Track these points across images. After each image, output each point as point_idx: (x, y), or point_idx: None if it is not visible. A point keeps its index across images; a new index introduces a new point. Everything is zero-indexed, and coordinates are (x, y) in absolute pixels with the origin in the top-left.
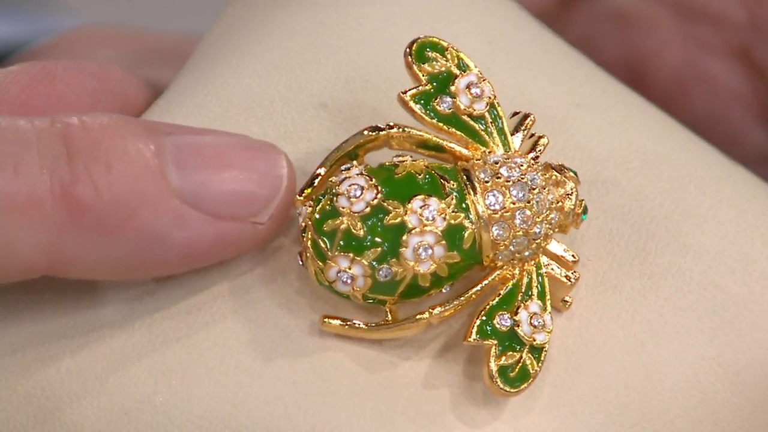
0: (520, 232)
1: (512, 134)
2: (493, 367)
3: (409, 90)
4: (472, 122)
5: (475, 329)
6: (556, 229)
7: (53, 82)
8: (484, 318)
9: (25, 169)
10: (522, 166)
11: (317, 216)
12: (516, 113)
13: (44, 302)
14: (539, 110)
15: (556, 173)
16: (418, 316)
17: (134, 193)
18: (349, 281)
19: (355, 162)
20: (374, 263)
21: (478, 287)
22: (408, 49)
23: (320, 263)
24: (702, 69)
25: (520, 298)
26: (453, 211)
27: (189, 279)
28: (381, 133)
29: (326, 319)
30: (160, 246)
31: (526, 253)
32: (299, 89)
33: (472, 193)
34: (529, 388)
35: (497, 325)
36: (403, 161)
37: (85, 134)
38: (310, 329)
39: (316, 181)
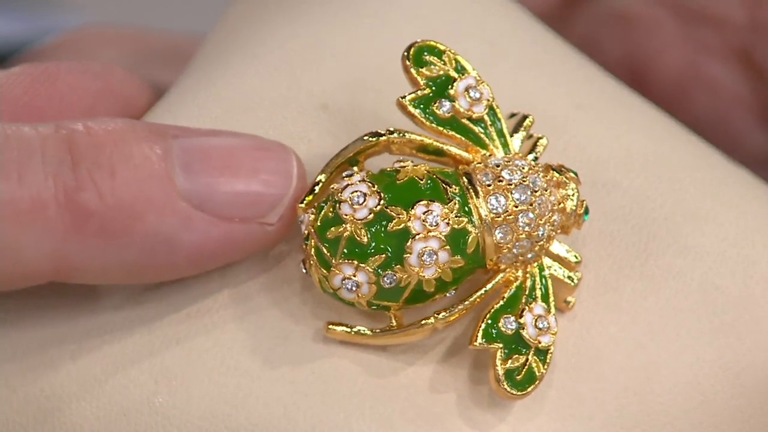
0: (523, 235)
1: (511, 135)
2: (500, 370)
3: (408, 94)
4: (471, 125)
5: (480, 333)
6: (559, 231)
7: (55, 83)
8: (489, 321)
9: (29, 176)
10: (523, 168)
11: (320, 223)
12: (514, 114)
13: (45, 304)
14: (540, 111)
15: (556, 174)
16: (423, 322)
17: (140, 197)
18: (353, 288)
19: (356, 168)
20: (379, 270)
21: (483, 291)
22: (405, 54)
23: (324, 271)
24: (703, 70)
25: (524, 300)
26: (456, 216)
27: (191, 283)
28: (381, 138)
29: (331, 326)
30: (167, 249)
31: (529, 256)
32: (300, 90)
33: (474, 196)
34: (535, 391)
35: (502, 329)
36: (404, 166)
37: (89, 140)
38: (314, 335)
39: (317, 188)
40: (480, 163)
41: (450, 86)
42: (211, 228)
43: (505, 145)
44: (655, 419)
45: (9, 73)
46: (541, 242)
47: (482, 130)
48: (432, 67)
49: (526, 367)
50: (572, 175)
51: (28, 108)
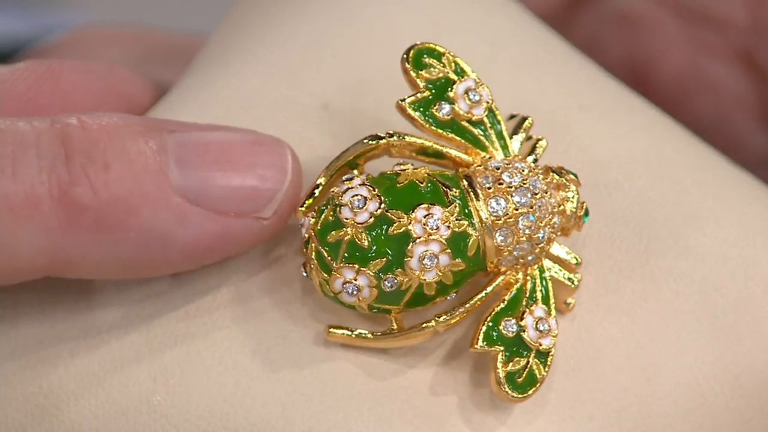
0: (524, 238)
1: (511, 137)
2: (501, 373)
3: (408, 97)
4: (471, 127)
5: (481, 336)
6: (559, 233)
7: (59, 81)
8: (489, 324)
9: (23, 171)
10: (523, 171)
11: (320, 227)
12: (514, 116)
13: (43, 302)
14: (541, 112)
15: (556, 176)
16: (423, 325)
17: (134, 192)
18: (354, 292)
19: (356, 171)
20: (380, 273)
21: (483, 293)
22: (405, 56)
23: (325, 274)
24: (704, 71)
25: (524, 302)
26: (456, 219)
27: (190, 283)
28: (381, 141)
29: (331, 329)
30: (162, 244)
31: (530, 258)
32: (301, 90)
33: (474, 199)
34: (536, 393)
35: (503, 331)
36: (405, 170)
37: (83, 134)
38: (313, 338)
39: (317, 191)
40: (480, 165)
41: (449, 89)
42: (206, 223)
43: (505, 147)
44: (654, 421)
45: (13, 68)
46: (542, 244)
47: (482, 133)
48: (431, 69)
49: (527, 369)
50: (572, 176)
51: (31, 104)
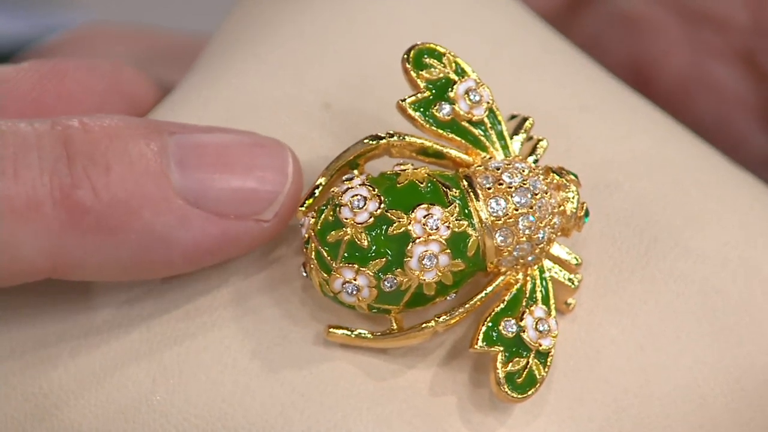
0: (524, 238)
1: (511, 138)
2: (501, 373)
3: (408, 97)
4: (471, 128)
5: (480, 336)
6: (559, 233)
7: (64, 80)
8: (489, 324)
9: (24, 173)
10: (524, 171)
11: (320, 227)
12: (514, 116)
13: (43, 301)
14: (543, 113)
15: (557, 176)
16: (423, 325)
17: (135, 194)
18: (354, 292)
19: (356, 171)
20: (379, 274)
21: (483, 294)
22: (406, 56)
23: (325, 274)
24: (706, 72)
25: (524, 303)
26: (456, 219)
27: (190, 283)
28: (381, 141)
29: (331, 329)
30: (163, 246)
31: (530, 258)
32: (303, 89)
33: (474, 200)
34: (536, 394)
35: (503, 332)
36: (405, 170)
37: (85, 136)
38: (313, 337)
39: (317, 191)
40: (480, 165)
41: (450, 89)
42: (207, 225)
43: (506, 148)
44: (654, 422)
45: (18, 68)
46: (542, 245)
47: (482, 133)
48: (432, 69)
49: (527, 370)
50: (572, 177)
51: (35, 104)
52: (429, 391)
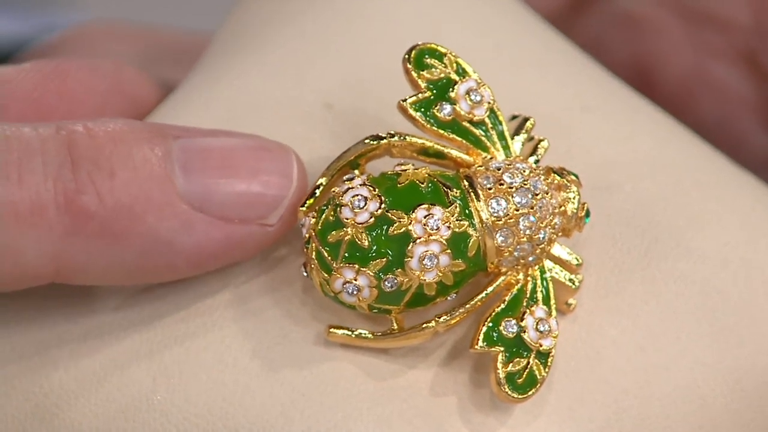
0: (525, 238)
1: (512, 138)
2: (501, 374)
3: (409, 97)
4: (472, 128)
5: (481, 336)
6: (560, 233)
7: (66, 80)
8: (490, 324)
9: (28, 178)
10: (524, 171)
11: (321, 227)
12: (515, 116)
13: (44, 302)
14: (545, 113)
15: (558, 177)
16: (424, 325)
17: (139, 198)
18: (354, 292)
19: (357, 171)
20: (380, 274)
21: (484, 294)
22: (407, 56)
23: (325, 274)
24: (708, 73)
25: (525, 303)
26: (457, 219)
27: (191, 283)
28: (382, 141)
29: (332, 329)
30: (167, 251)
31: (530, 259)
32: (304, 89)
33: (475, 200)
34: (536, 394)
35: (503, 332)
36: (405, 170)
37: (89, 141)
38: (314, 337)
39: (318, 191)
40: (481, 166)
41: (451, 89)
42: (211, 229)
43: (506, 148)
44: (654, 422)
45: (19, 68)
46: (542, 245)
47: (483, 133)
48: (433, 69)
49: (527, 370)
50: (573, 177)
51: (37, 105)
52: (430, 391)
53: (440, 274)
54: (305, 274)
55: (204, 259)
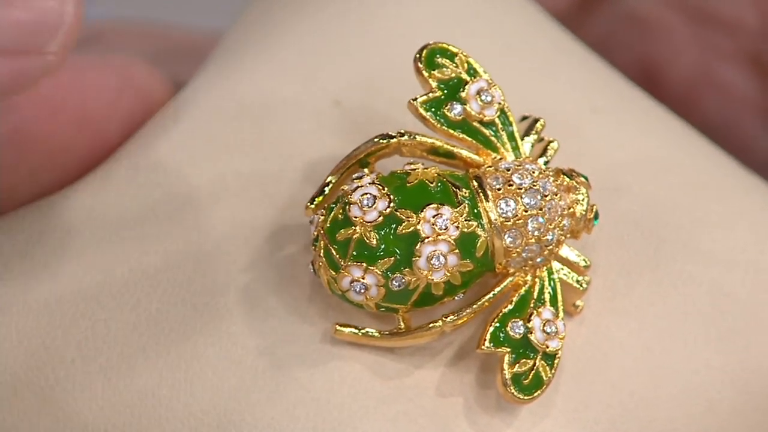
0: (533, 240)
1: (522, 139)
2: (507, 374)
3: (420, 97)
4: (482, 128)
5: (488, 337)
6: (568, 235)
7: (78, 75)
8: (497, 325)
9: None
10: (534, 173)
11: (329, 225)
12: (525, 117)
13: (50, 294)
14: (554, 114)
15: (567, 178)
16: (431, 325)
17: None
18: (362, 291)
19: (366, 170)
20: (387, 273)
21: (491, 294)
22: (418, 56)
23: (333, 273)
24: (714, 74)
25: (532, 304)
26: (466, 220)
27: (198, 278)
28: (392, 140)
29: (339, 327)
30: None
31: (538, 260)
32: (314, 87)
33: (484, 200)
34: (542, 395)
35: (510, 333)
36: (415, 169)
37: None
38: (321, 336)
39: (327, 189)
40: (491, 166)
41: (462, 89)
42: None
43: (516, 149)
44: (661, 425)
45: None
46: (551, 247)
47: (493, 134)
48: (444, 69)
49: (534, 371)
50: (582, 179)
51: (48, 99)
52: (436, 391)
53: (448, 274)
54: (313, 272)
55: None
